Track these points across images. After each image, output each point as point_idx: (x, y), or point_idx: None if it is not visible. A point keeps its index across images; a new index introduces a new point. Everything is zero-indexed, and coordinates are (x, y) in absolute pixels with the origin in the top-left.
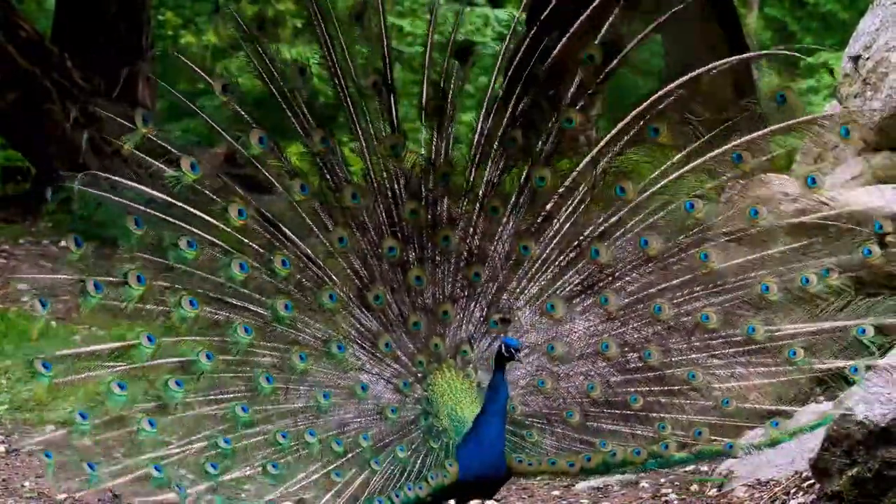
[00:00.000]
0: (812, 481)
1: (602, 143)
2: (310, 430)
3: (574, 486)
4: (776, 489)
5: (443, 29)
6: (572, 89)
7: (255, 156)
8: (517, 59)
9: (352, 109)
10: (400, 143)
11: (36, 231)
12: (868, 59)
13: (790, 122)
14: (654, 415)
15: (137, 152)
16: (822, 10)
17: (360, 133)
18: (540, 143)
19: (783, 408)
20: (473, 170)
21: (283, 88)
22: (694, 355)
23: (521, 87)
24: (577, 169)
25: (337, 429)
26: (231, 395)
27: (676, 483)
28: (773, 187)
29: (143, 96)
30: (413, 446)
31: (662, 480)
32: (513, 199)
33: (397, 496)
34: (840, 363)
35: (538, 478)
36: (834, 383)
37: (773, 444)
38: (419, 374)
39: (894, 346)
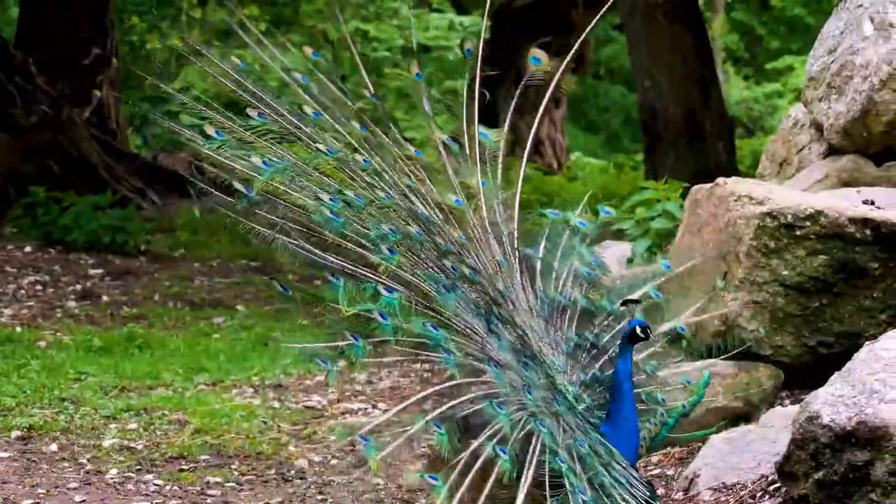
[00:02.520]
0: (778, 485)
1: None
2: (558, 457)
3: None
4: (742, 493)
5: (407, 34)
6: None
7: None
8: None
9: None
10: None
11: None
12: (833, 62)
13: None
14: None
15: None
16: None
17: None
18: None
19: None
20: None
21: None
22: None
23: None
24: None
25: (568, 450)
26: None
27: None
28: (737, 188)
29: (108, 101)
30: (599, 448)
31: None
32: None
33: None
34: None
35: None
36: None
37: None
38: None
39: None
